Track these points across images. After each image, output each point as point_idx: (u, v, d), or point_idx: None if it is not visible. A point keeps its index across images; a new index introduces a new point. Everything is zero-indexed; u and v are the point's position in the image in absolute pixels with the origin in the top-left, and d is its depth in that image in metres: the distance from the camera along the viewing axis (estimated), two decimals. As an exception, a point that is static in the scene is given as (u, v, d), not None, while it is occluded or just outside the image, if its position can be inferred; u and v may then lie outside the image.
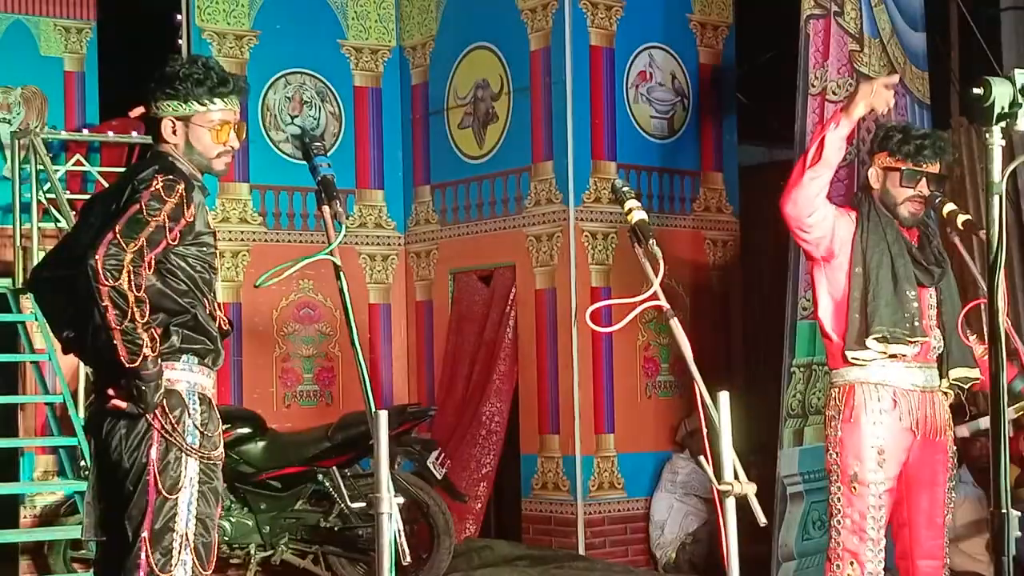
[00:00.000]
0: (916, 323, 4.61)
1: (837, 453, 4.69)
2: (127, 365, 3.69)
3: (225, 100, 3.97)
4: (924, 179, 4.66)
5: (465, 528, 8.09)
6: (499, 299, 8.40)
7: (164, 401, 3.81)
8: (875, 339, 4.58)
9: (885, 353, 4.61)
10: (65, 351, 4.07)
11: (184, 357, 3.90)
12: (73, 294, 3.86)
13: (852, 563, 4.64)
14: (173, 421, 3.83)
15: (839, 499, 4.68)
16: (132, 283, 3.68)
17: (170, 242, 3.82)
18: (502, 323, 8.33)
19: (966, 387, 4.79)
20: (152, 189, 3.79)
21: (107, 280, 3.65)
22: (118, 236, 3.70)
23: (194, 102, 3.94)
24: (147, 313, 3.71)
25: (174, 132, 3.97)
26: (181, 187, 3.83)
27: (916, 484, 4.72)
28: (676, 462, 7.96)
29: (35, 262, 7.58)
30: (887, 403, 4.65)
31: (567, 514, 7.88)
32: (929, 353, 4.70)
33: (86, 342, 3.84)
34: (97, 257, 3.66)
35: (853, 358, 4.63)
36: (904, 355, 4.63)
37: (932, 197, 4.68)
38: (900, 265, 4.63)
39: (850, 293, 4.65)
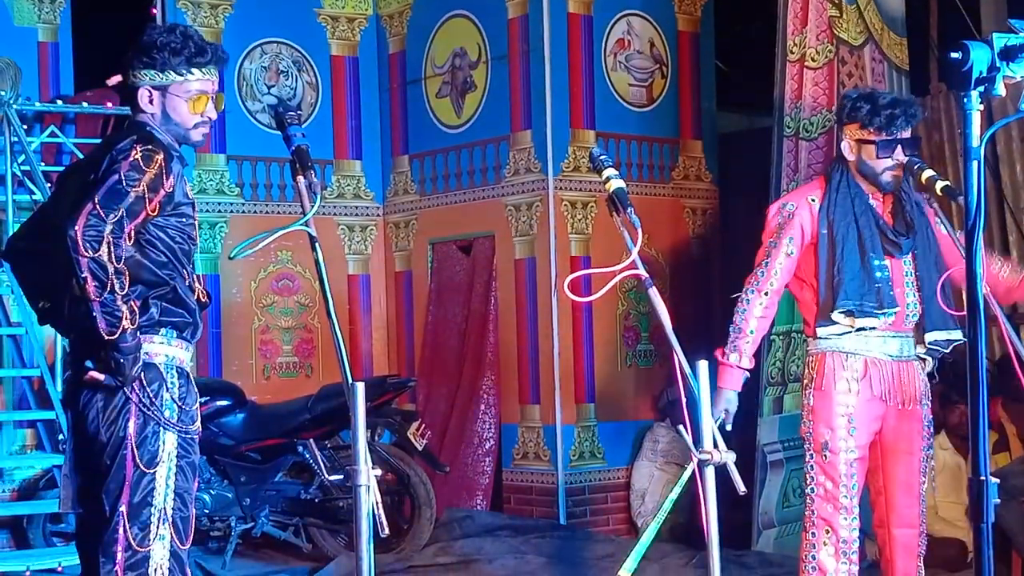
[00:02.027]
0: (885, 293, 4.60)
1: (810, 421, 4.70)
2: (106, 337, 3.65)
3: (203, 70, 3.92)
4: (899, 146, 4.64)
5: (476, 503, 8.08)
6: (481, 269, 8.38)
7: (142, 374, 3.78)
8: (841, 313, 4.59)
9: (852, 326, 4.61)
10: (41, 322, 4.04)
11: (163, 330, 3.86)
12: (49, 265, 3.82)
13: (827, 531, 4.65)
14: (151, 394, 3.80)
15: (812, 467, 4.70)
16: (112, 254, 3.64)
17: (149, 213, 3.78)
18: (487, 294, 8.31)
19: (946, 351, 4.77)
20: (131, 159, 3.75)
21: (87, 251, 3.61)
22: (97, 207, 3.66)
23: (171, 72, 3.88)
24: (127, 285, 3.68)
25: (151, 102, 3.91)
26: (160, 157, 3.79)
27: (891, 452, 4.73)
28: (657, 431, 7.96)
29: (9, 234, 7.55)
30: (857, 372, 4.64)
31: (548, 484, 7.89)
32: (904, 322, 4.68)
33: (62, 313, 3.81)
34: (77, 228, 3.62)
35: (826, 333, 4.64)
36: (874, 326, 4.62)
37: (911, 163, 4.65)
38: (867, 236, 4.61)
39: (818, 266, 4.66)
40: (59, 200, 3.96)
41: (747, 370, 4.73)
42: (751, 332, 4.70)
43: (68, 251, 3.62)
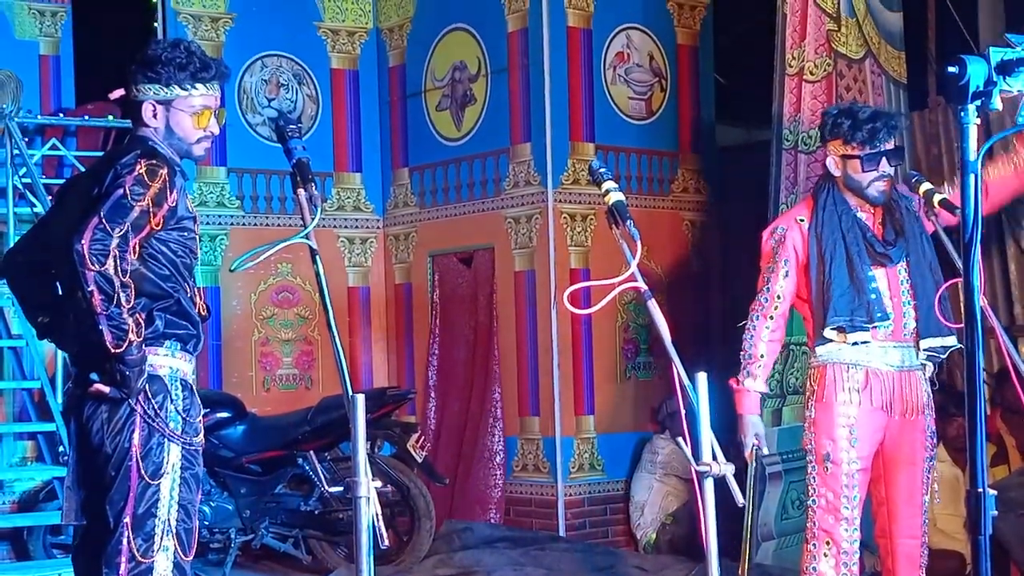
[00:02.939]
0: (876, 306, 4.63)
1: (811, 433, 4.73)
2: (112, 350, 3.66)
3: (207, 85, 3.94)
4: (883, 158, 4.67)
5: (489, 516, 8.08)
6: (484, 282, 8.38)
7: (147, 386, 3.80)
8: (832, 329, 4.63)
9: (845, 341, 4.64)
10: (40, 336, 4.06)
11: (167, 342, 3.88)
12: (48, 279, 3.83)
13: (828, 543, 4.67)
14: (156, 406, 3.81)
15: (814, 479, 4.72)
16: (118, 268, 3.66)
17: (154, 227, 3.80)
18: (490, 306, 8.32)
19: (943, 356, 4.80)
20: (135, 174, 3.76)
21: (93, 265, 3.63)
22: (103, 221, 3.67)
23: (175, 86, 3.91)
24: (132, 298, 3.69)
25: (154, 116, 3.94)
26: (164, 171, 3.81)
27: (894, 463, 4.75)
28: (656, 443, 7.97)
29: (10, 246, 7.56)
30: (858, 383, 4.67)
31: (547, 496, 7.89)
32: (904, 331, 4.70)
33: (61, 327, 3.83)
34: (83, 242, 3.63)
35: (822, 350, 4.69)
36: (867, 340, 4.64)
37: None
38: (855, 251, 4.65)
39: (810, 284, 4.71)
40: (60, 213, 3.98)
41: (762, 393, 4.81)
42: (761, 356, 4.79)
43: (74, 265, 3.63)
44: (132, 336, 3.68)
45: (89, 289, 3.63)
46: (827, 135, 4.75)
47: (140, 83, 3.93)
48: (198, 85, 3.92)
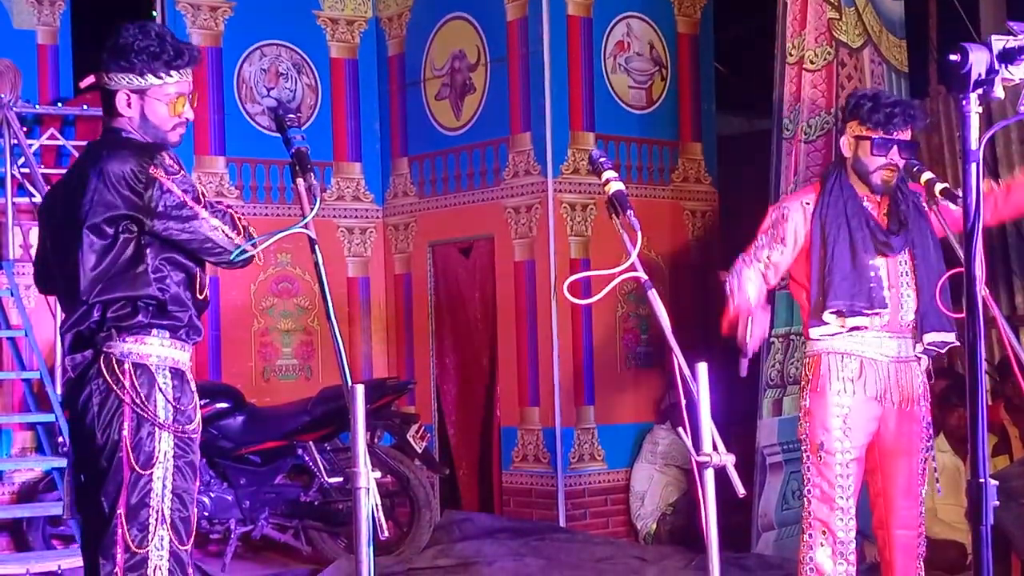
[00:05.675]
0: (876, 294, 4.62)
1: (806, 423, 4.72)
2: (241, 235, 3.88)
3: (180, 72, 3.89)
4: (895, 147, 4.66)
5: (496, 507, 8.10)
6: (484, 272, 8.36)
7: (134, 376, 3.78)
8: (831, 313, 4.60)
9: (843, 326, 4.62)
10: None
11: (155, 331, 3.84)
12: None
13: (823, 532, 4.66)
14: (143, 396, 3.79)
15: (809, 468, 4.71)
16: (211, 205, 3.88)
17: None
18: (491, 296, 8.30)
19: (943, 351, 4.79)
20: (160, 168, 3.77)
21: (213, 214, 3.87)
22: (185, 199, 3.78)
23: (150, 75, 3.83)
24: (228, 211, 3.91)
25: (129, 105, 3.87)
26: (165, 152, 3.82)
27: (891, 454, 4.74)
28: (656, 433, 7.96)
29: (9, 236, 7.57)
30: (853, 373, 4.66)
31: (547, 486, 7.89)
32: (901, 322, 4.69)
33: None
34: (203, 220, 3.84)
35: (818, 333, 4.66)
36: (865, 326, 4.63)
37: (910, 166, 4.68)
38: (859, 237, 4.64)
39: (810, 268, 4.68)
40: (56, 237, 3.90)
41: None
42: (748, 296, 4.63)
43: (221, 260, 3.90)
44: (239, 225, 3.90)
45: (205, 235, 3.85)
46: (848, 115, 4.76)
47: (113, 72, 3.85)
48: (172, 73, 3.86)
